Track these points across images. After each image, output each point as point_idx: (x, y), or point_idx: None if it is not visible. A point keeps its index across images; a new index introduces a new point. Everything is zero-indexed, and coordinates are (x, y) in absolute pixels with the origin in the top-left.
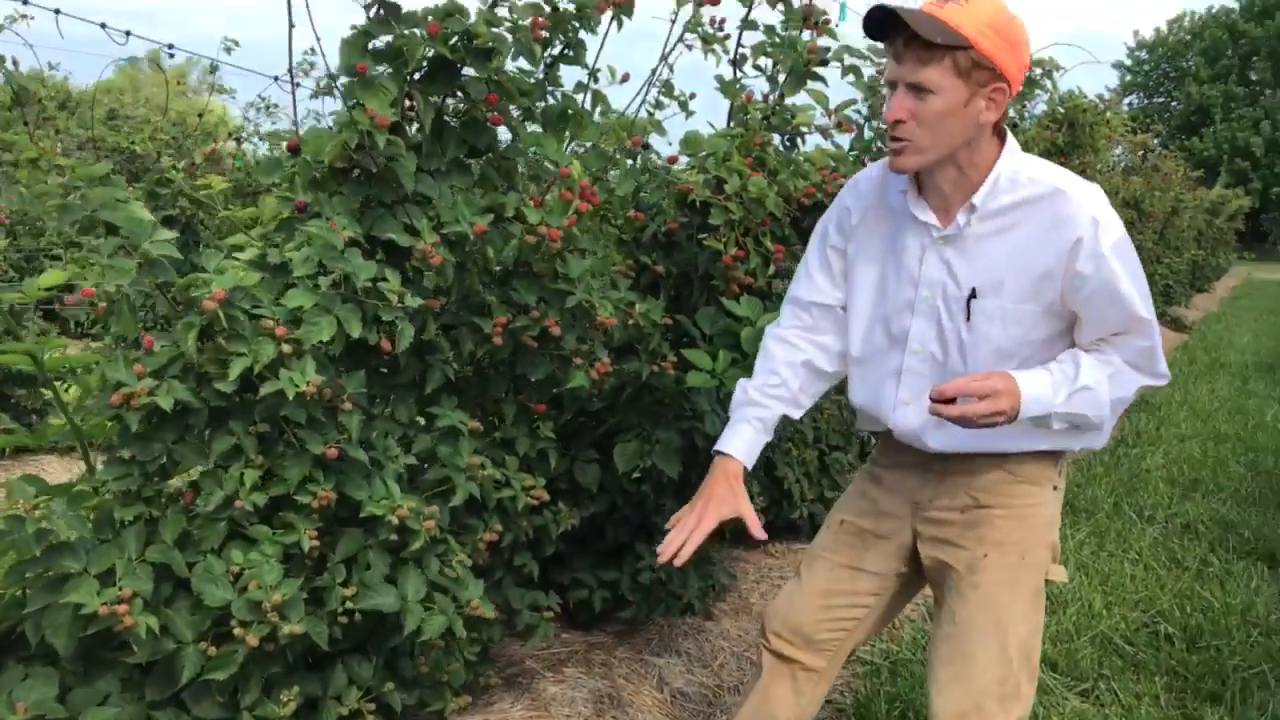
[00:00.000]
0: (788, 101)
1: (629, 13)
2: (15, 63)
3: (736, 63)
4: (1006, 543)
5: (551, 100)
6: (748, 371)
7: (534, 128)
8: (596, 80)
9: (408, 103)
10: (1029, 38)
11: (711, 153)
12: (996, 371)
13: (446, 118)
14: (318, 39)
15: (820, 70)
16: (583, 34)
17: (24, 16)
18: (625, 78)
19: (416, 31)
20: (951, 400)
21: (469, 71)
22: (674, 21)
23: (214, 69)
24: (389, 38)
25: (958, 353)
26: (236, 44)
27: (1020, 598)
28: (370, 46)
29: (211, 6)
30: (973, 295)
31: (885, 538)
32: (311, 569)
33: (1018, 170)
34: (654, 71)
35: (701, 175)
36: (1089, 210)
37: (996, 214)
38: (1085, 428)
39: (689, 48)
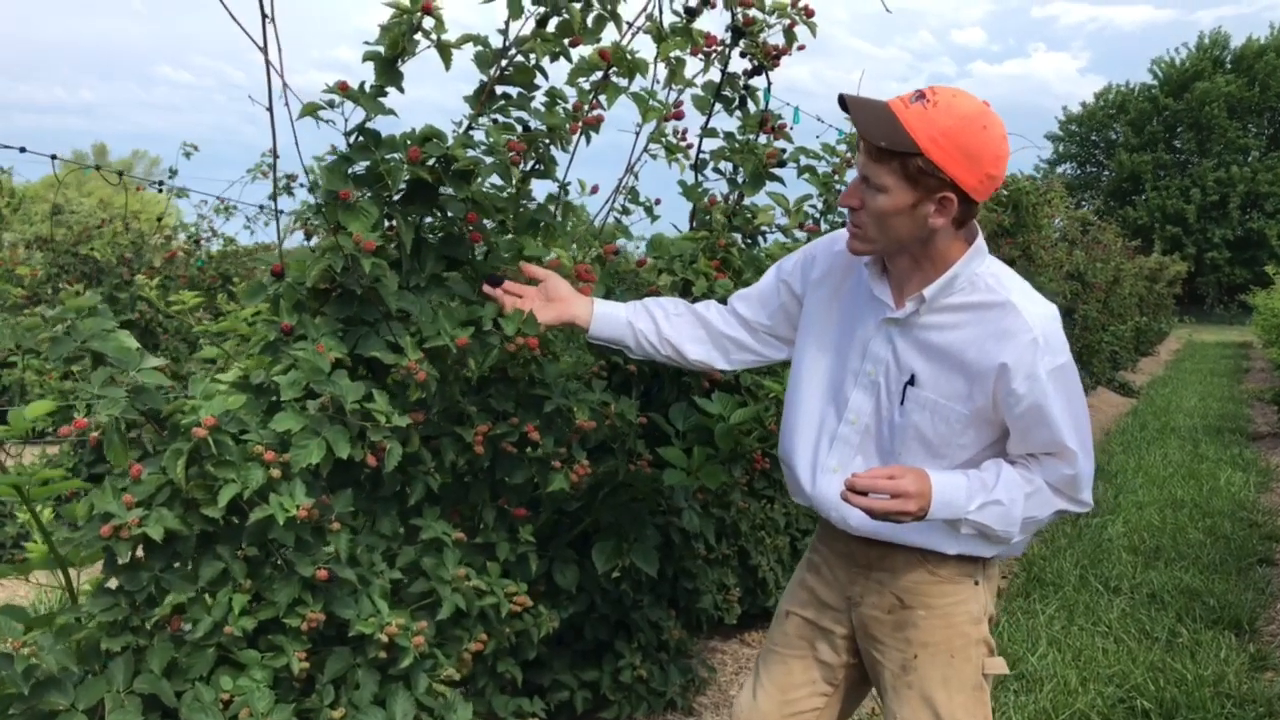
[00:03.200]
0: (747, 202)
1: (597, 129)
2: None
3: (698, 167)
4: (932, 643)
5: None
6: (722, 468)
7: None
8: (567, 193)
9: (388, 223)
10: (1001, 148)
11: (678, 255)
12: (914, 469)
13: (425, 234)
14: (292, 137)
15: (778, 171)
16: (554, 150)
17: None
18: (595, 189)
19: (397, 156)
20: (864, 494)
21: (447, 190)
22: (639, 133)
23: (173, 173)
24: (368, 162)
25: (889, 433)
26: (195, 148)
27: (957, 694)
28: (350, 171)
29: (150, 100)
30: (911, 381)
31: (829, 630)
32: (300, 690)
33: (979, 275)
34: (620, 181)
35: (669, 278)
36: (1035, 330)
37: (945, 310)
38: (993, 539)
39: (653, 157)
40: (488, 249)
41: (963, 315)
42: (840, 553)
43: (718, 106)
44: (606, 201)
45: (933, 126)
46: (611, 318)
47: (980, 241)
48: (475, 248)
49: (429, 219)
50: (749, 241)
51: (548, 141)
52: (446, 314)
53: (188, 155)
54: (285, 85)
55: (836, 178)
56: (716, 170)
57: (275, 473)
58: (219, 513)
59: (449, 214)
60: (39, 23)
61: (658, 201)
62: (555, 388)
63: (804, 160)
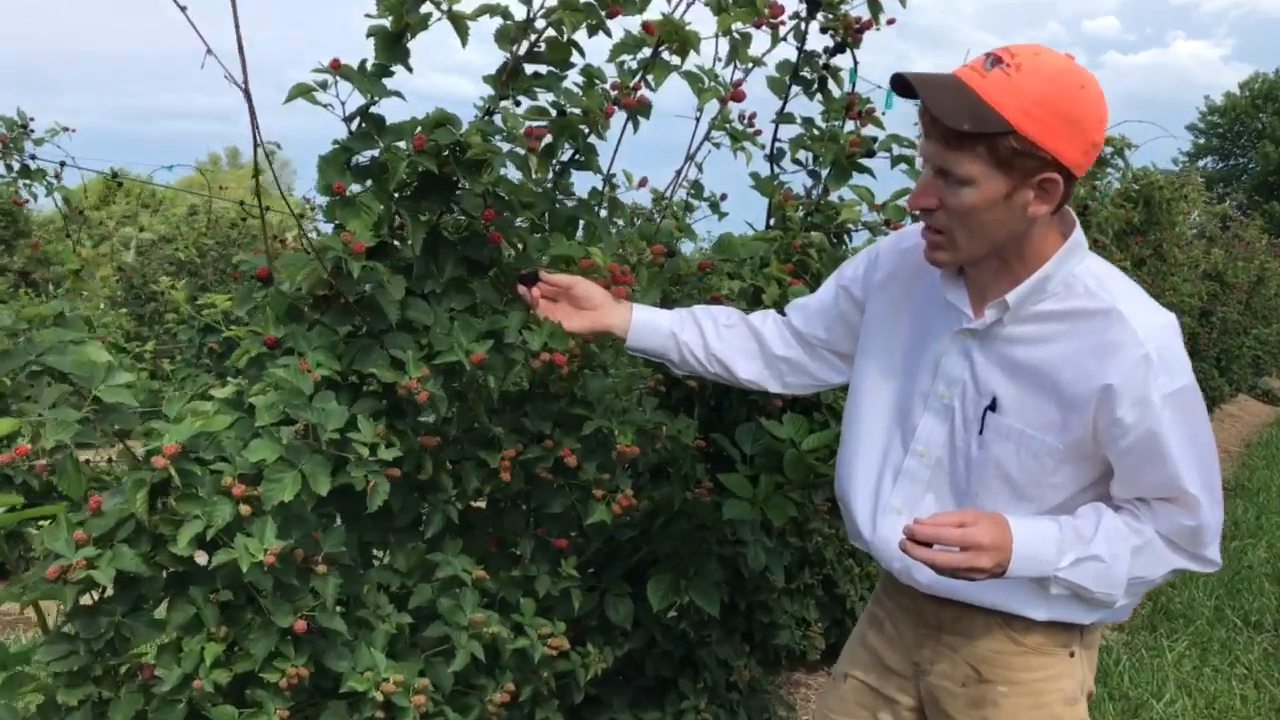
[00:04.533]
0: (832, 197)
1: (645, 114)
2: (58, 174)
3: (773, 158)
4: None
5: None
6: (791, 500)
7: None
8: (613, 187)
9: (398, 220)
10: (1103, 109)
11: (747, 258)
12: (990, 516)
13: (446, 233)
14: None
15: (867, 161)
16: (595, 139)
17: (65, 129)
18: (643, 182)
19: (401, 145)
20: (929, 544)
21: (466, 185)
22: (698, 119)
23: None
24: (373, 153)
25: (964, 468)
26: (278, 146)
27: None
28: (352, 163)
29: (279, 103)
30: (991, 406)
31: (893, 700)
32: None
33: (1076, 275)
34: (679, 172)
35: (737, 284)
36: (1147, 345)
37: (1035, 318)
38: (1091, 602)
39: (716, 146)
40: (522, 248)
41: (1056, 325)
42: (907, 609)
43: (795, 90)
44: (665, 191)
45: (1022, 95)
46: (652, 327)
47: (1079, 234)
48: (501, 249)
49: (448, 215)
50: (834, 241)
51: (585, 129)
52: (463, 324)
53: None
54: (245, 68)
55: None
56: (796, 161)
57: (245, 509)
58: (186, 550)
59: (467, 211)
60: (178, 33)
61: (724, 197)
62: (598, 406)
63: (897, 149)
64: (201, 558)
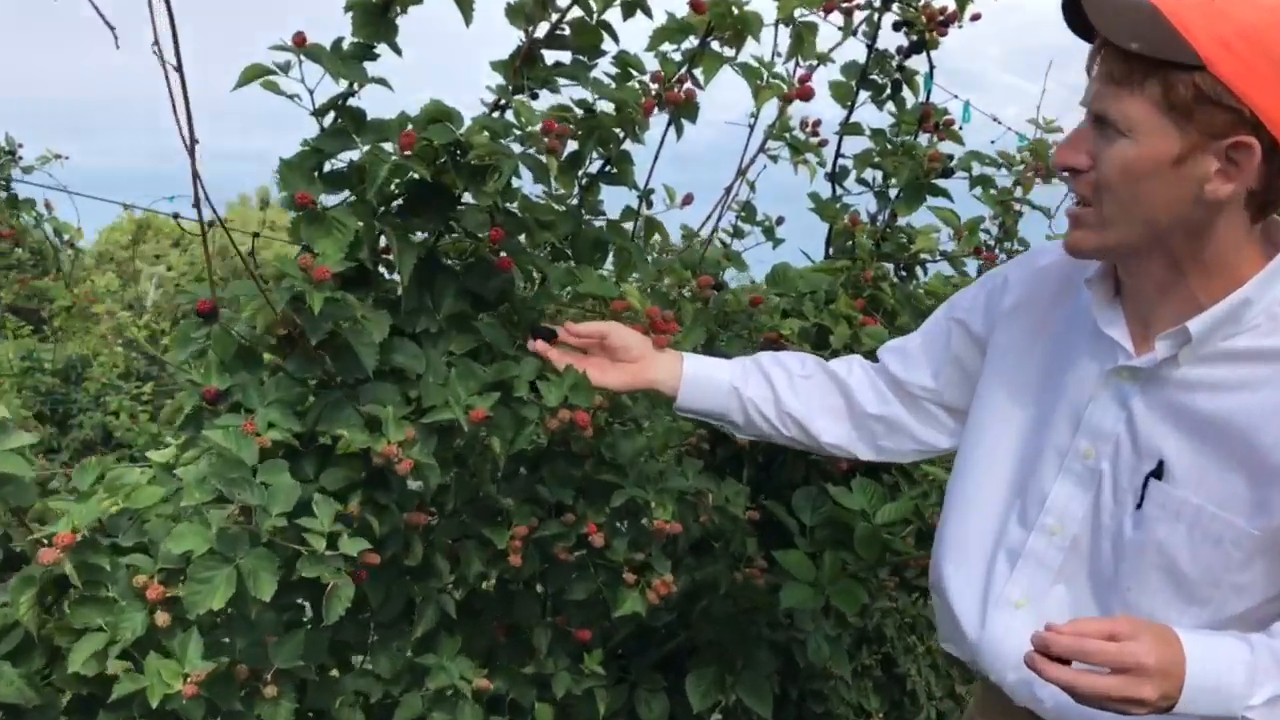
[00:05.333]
0: (902, 222)
1: (691, 116)
2: (49, 205)
3: (835, 177)
4: None
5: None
6: (860, 584)
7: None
8: (650, 204)
9: (384, 242)
10: None
11: (809, 292)
12: (1153, 627)
13: (445, 259)
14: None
15: (942, 182)
16: (628, 144)
17: (57, 156)
18: (687, 200)
19: (388, 147)
20: (1065, 660)
21: (470, 199)
22: (753, 127)
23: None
24: (352, 155)
25: (1112, 554)
26: None
27: None
28: (324, 168)
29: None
30: (1157, 472)
31: None
32: None
33: None
34: (730, 190)
35: (796, 322)
36: None
37: (1226, 358)
38: None
39: (773, 159)
40: (540, 280)
41: (1256, 368)
42: None
43: (862, 96)
44: (710, 214)
45: (1222, 21)
46: (709, 383)
47: None
48: (514, 279)
49: (449, 237)
50: (903, 274)
51: (619, 132)
52: (463, 373)
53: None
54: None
55: (1020, 192)
56: (861, 181)
57: (162, 617)
58: (87, 668)
59: (470, 231)
60: (217, 82)
61: (780, 221)
62: (630, 471)
63: (977, 169)
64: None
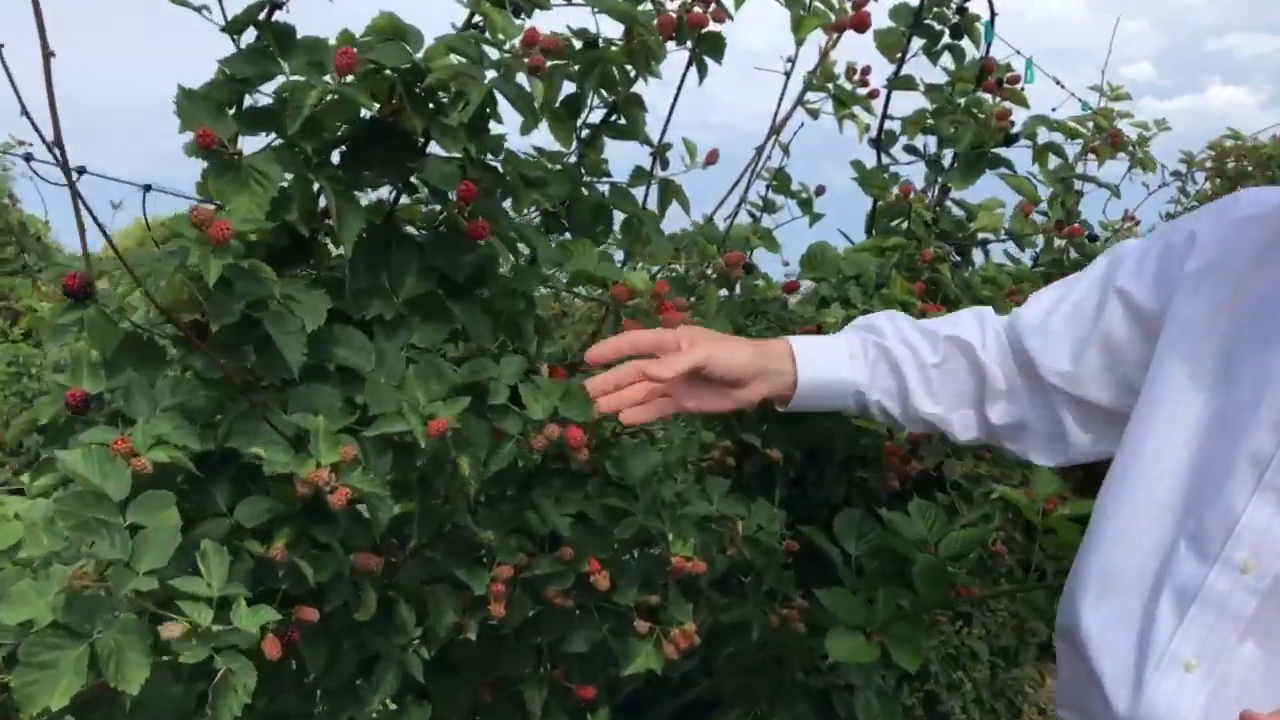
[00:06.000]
0: (956, 195)
1: (718, 52)
2: (13, 198)
3: (881, 143)
4: None
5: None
6: (917, 628)
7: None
8: (665, 164)
9: (325, 201)
10: None
11: (855, 275)
12: None
13: (409, 228)
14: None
15: (1002, 151)
16: (639, 86)
17: (21, 143)
18: (712, 158)
19: (329, 81)
20: None
21: (436, 149)
22: (789, 74)
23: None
24: (276, 83)
25: None
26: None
27: None
28: (242, 103)
29: None
30: None
31: None
32: None
33: None
34: (760, 151)
35: (840, 311)
36: None
37: None
38: None
39: (814, 114)
40: (531, 255)
41: None
42: None
43: (914, 45)
44: (738, 182)
45: None
46: (826, 389)
47: None
48: (494, 253)
49: (408, 197)
50: (956, 258)
51: (629, 69)
52: (426, 372)
53: None
54: None
55: (1092, 165)
56: (909, 149)
57: None
58: None
59: (434, 187)
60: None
61: (820, 191)
62: (642, 494)
63: (1044, 135)
64: None
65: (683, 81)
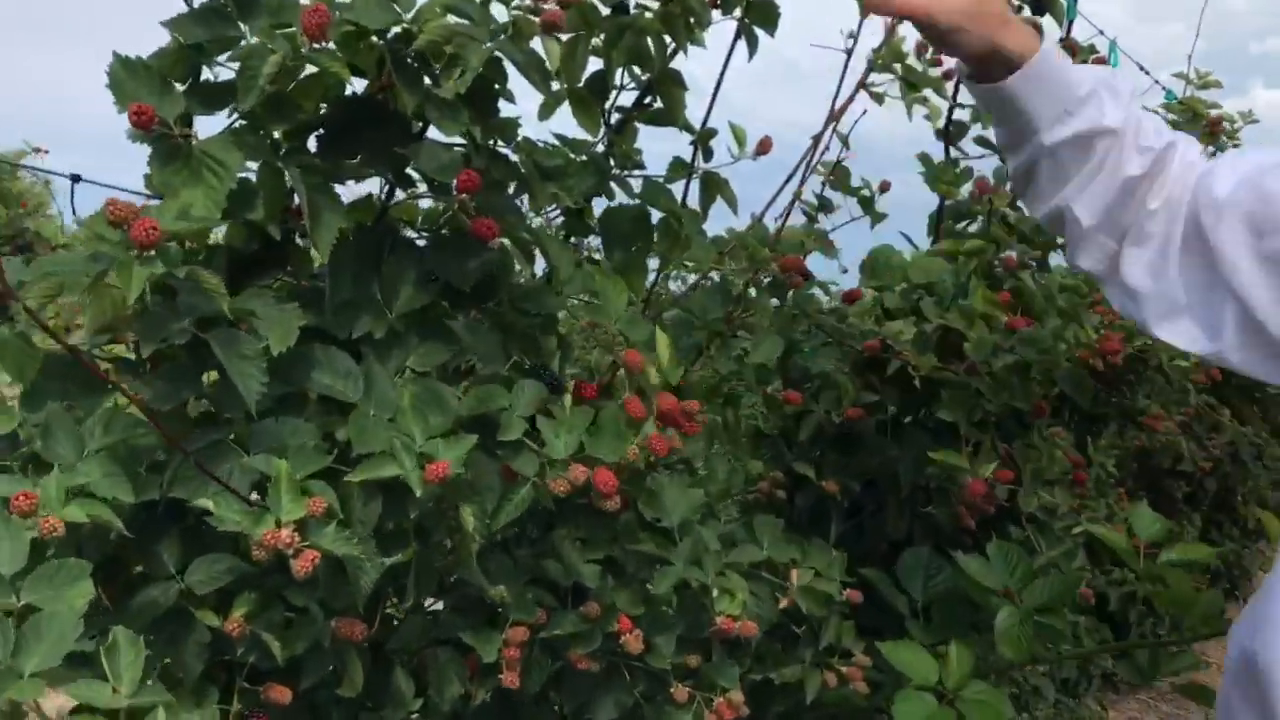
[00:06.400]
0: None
1: (769, 24)
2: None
3: (950, 134)
4: None
5: (623, 196)
6: (999, 691)
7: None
8: (709, 154)
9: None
10: None
11: (926, 284)
12: None
13: (414, 232)
14: None
15: None
16: (678, 61)
17: (37, 150)
18: (765, 146)
19: (289, 43)
20: None
21: (438, 135)
22: (850, 51)
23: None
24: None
25: None
26: None
27: None
28: (192, 76)
29: None
30: None
31: None
32: None
33: None
34: (816, 141)
35: (910, 327)
36: None
37: None
38: None
39: (878, 99)
40: (547, 273)
41: None
42: None
43: None
44: (795, 170)
45: None
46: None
47: None
48: (507, 258)
49: (403, 192)
50: (1031, 263)
51: (666, 39)
52: (423, 401)
53: None
54: None
55: None
56: (981, 141)
57: None
58: None
59: (430, 178)
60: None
61: (885, 188)
62: (680, 536)
63: None
64: None
65: (729, 57)
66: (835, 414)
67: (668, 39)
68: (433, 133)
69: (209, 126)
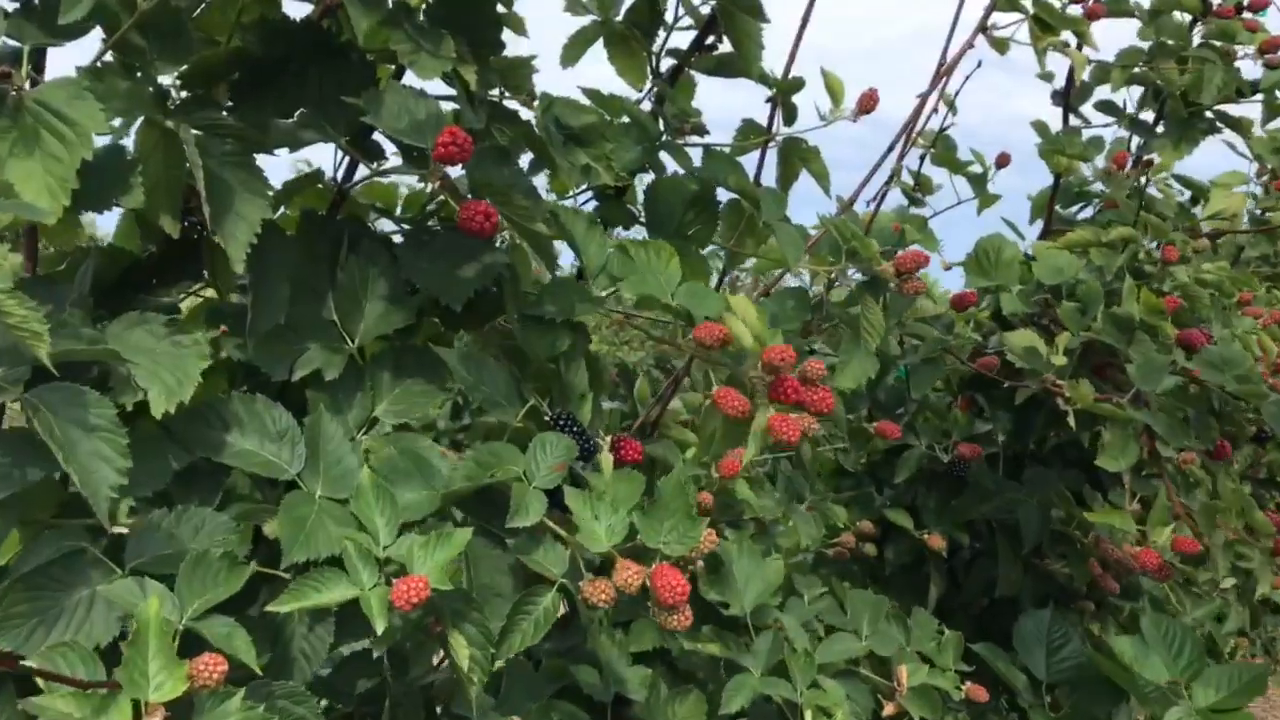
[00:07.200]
0: (1166, 172)
1: None
2: None
3: (1069, 98)
4: None
5: (677, 168)
6: None
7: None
8: (791, 115)
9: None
10: None
11: (1063, 284)
12: None
13: (394, 224)
14: None
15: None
16: None
17: None
18: (867, 104)
19: None
20: None
21: (414, 80)
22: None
23: None
24: None
25: None
26: None
27: None
28: None
29: None
30: None
31: None
32: None
33: None
34: (923, 101)
35: (1040, 342)
36: None
37: None
38: None
39: (1000, 47)
40: (577, 268)
41: None
42: None
43: None
44: (890, 151)
45: None
46: None
47: None
48: (517, 260)
49: (372, 166)
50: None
51: None
52: (394, 473)
53: None
54: None
55: None
56: (1104, 107)
57: None
58: None
59: (396, 141)
60: None
61: (1003, 162)
62: (754, 622)
63: None
64: None
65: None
66: (941, 449)
67: None
68: (409, 77)
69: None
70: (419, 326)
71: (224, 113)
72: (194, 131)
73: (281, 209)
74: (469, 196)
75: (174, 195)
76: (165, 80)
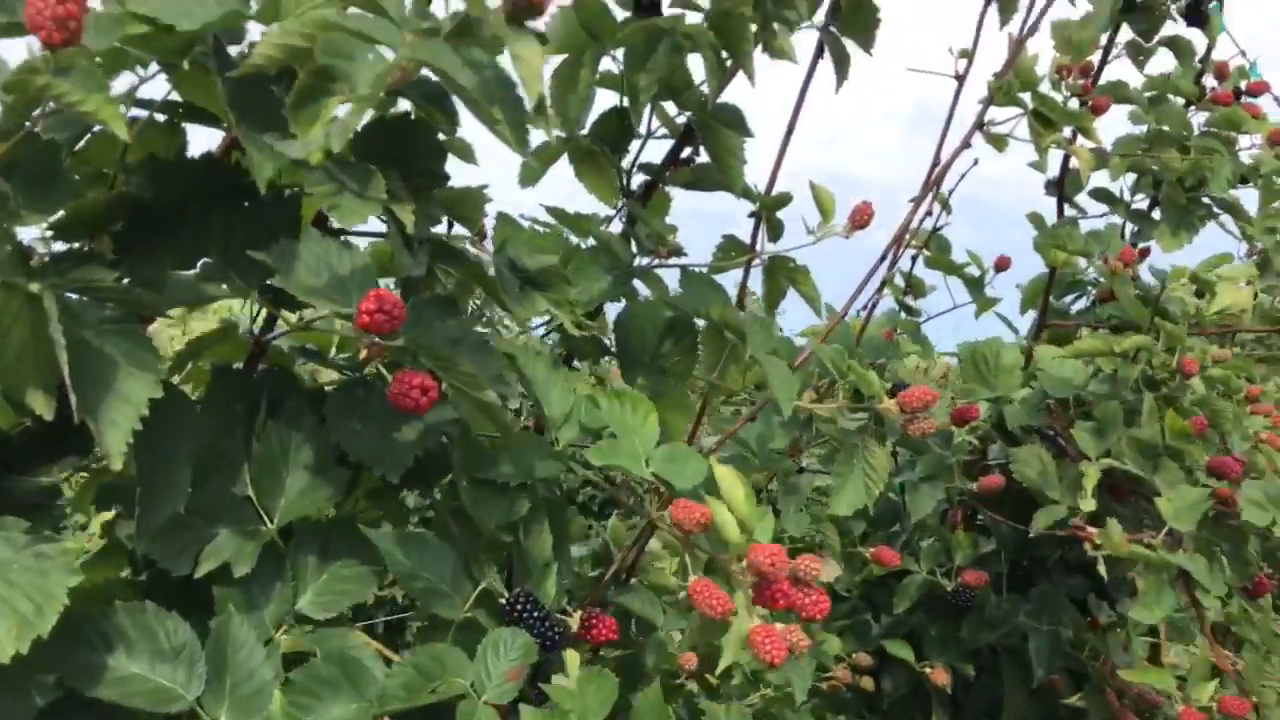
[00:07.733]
0: (1163, 263)
1: (864, 34)
2: None
3: (1063, 187)
4: None
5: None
6: None
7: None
8: (776, 230)
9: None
10: None
11: (1062, 398)
12: None
13: (333, 372)
14: None
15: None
16: (734, 88)
17: None
18: (860, 218)
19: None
20: None
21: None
22: (963, 76)
23: None
24: None
25: None
26: None
27: None
28: None
29: None
30: None
31: None
32: None
33: None
34: (917, 204)
35: (1048, 457)
36: None
37: None
38: None
39: (998, 145)
40: (532, 412)
41: None
42: None
43: (1120, 36)
44: (883, 258)
45: None
46: None
47: None
48: (454, 420)
49: (291, 315)
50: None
51: (720, 52)
52: (316, 683)
53: None
54: None
55: None
56: (1100, 195)
57: None
58: None
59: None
60: None
61: (1002, 266)
62: None
63: None
64: None
65: (809, 78)
66: (943, 573)
67: (723, 53)
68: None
69: None
70: (354, 491)
71: (108, 268)
72: (68, 295)
73: (189, 364)
74: (405, 363)
75: (45, 369)
76: (33, 232)
